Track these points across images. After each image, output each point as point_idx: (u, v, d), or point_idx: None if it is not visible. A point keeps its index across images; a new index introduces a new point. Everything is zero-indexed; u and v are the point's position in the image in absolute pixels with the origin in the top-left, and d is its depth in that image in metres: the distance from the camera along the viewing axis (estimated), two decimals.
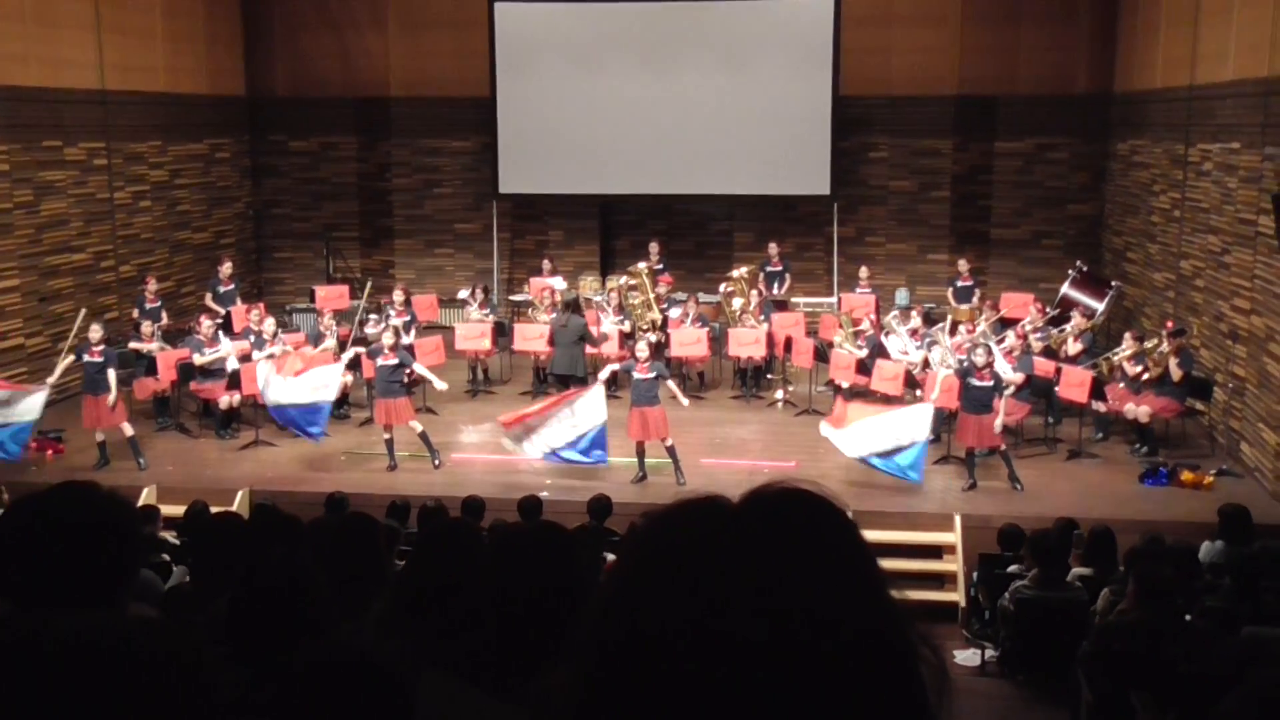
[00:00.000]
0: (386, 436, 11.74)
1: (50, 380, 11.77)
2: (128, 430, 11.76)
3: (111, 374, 11.64)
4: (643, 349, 11.36)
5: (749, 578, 0.94)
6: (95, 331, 11.85)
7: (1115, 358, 12.58)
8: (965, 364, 11.43)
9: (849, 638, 0.93)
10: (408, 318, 14.30)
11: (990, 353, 11.63)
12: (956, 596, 9.80)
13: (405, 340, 13.11)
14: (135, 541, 1.98)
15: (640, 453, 11.30)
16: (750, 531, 0.99)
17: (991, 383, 11.05)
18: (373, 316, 14.14)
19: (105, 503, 1.91)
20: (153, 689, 1.17)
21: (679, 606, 0.94)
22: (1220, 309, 12.49)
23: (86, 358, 11.66)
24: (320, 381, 11.65)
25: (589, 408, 11.05)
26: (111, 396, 11.57)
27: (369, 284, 15.39)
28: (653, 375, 11.19)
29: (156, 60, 16.32)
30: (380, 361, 11.74)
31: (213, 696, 1.23)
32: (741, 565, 0.95)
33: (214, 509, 8.89)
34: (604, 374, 11.88)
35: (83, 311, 12.65)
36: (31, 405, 11.34)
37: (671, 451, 11.23)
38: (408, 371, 11.87)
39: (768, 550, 0.97)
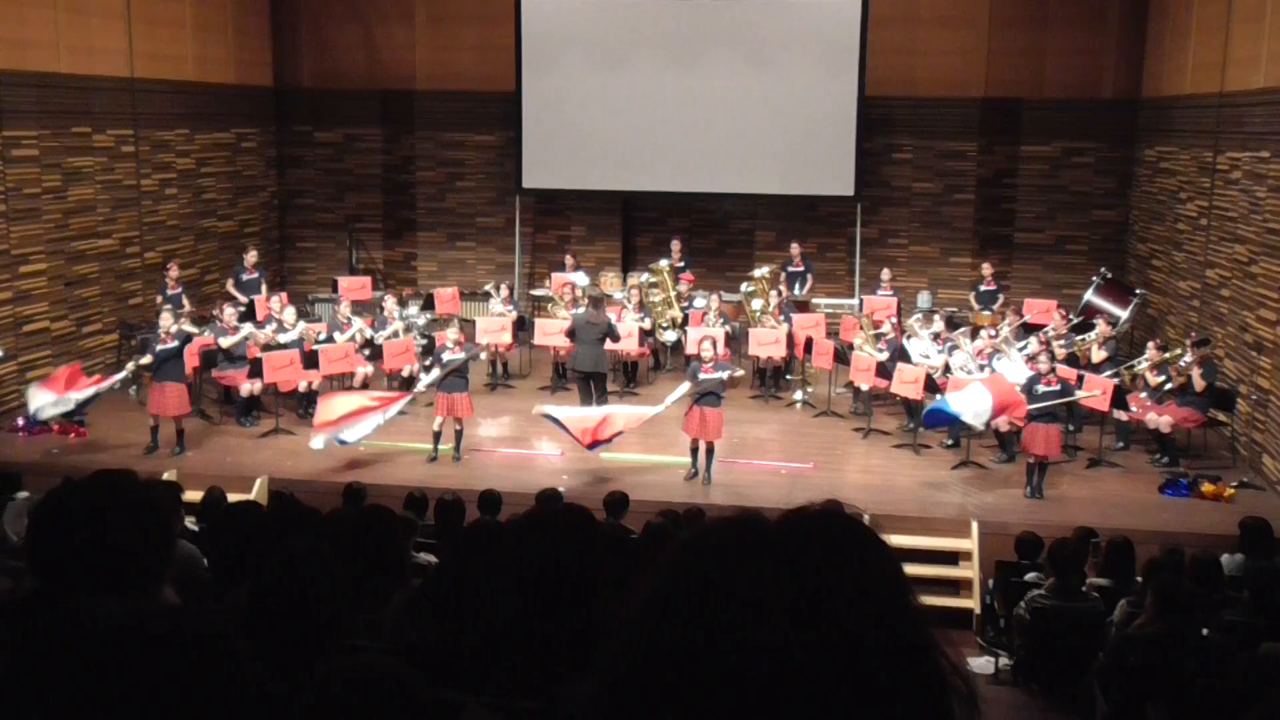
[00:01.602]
0: (436, 429, 11.81)
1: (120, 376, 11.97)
2: (180, 421, 11.89)
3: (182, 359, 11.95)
4: (708, 349, 11.38)
5: (786, 596, 0.95)
6: (167, 319, 11.91)
7: (1137, 367, 12.51)
8: (1033, 375, 11.35)
9: (881, 662, 0.94)
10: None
11: (1053, 358, 11.63)
12: (971, 603, 9.77)
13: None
14: (171, 531, 2.00)
15: (694, 450, 11.34)
16: (789, 551, 0.99)
17: (1059, 387, 11.02)
18: (396, 310, 14.18)
19: (142, 492, 1.93)
20: (185, 675, 1.18)
21: (714, 621, 0.94)
22: (1245, 319, 12.40)
23: (159, 345, 11.73)
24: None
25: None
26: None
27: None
28: (717, 375, 11.22)
29: (185, 49, 16.40)
30: (447, 356, 11.82)
31: (244, 685, 1.23)
32: (779, 583, 0.96)
33: (232, 496, 8.95)
34: (680, 391, 11.62)
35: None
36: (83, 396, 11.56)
37: (711, 452, 11.28)
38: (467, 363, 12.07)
39: (806, 570, 0.97)
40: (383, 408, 11.66)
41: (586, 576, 2.46)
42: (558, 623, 2.44)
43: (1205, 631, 6.24)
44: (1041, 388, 11.09)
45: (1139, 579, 7.64)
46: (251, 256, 15.83)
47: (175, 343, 11.75)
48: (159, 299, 14.31)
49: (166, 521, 1.98)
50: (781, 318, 14.46)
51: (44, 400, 11.40)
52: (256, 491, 10.74)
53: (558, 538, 2.63)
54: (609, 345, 13.18)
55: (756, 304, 15.00)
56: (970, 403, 10.99)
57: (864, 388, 13.16)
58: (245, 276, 15.67)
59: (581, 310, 13.64)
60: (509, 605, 2.58)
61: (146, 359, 11.90)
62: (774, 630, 0.93)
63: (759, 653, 0.92)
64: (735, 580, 0.97)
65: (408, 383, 13.37)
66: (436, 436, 11.85)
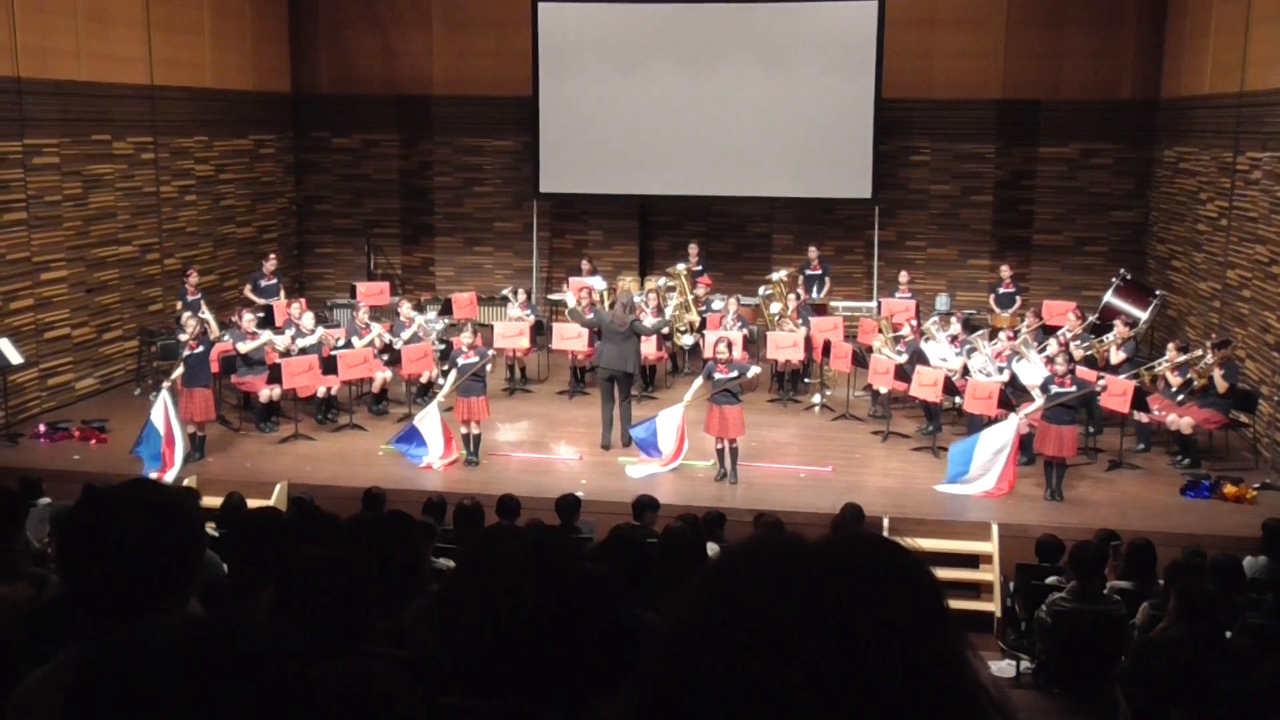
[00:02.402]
0: (464, 431, 11.86)
1: (166, 384, 11.83)
2: (202, 427, 11.95)
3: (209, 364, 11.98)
4: (723, 350, 11.42)
5: (821, 623, 0.93)
6: (191, 324, 11.97)
7: (1157, 368, 12.44)
8: (1048, 376, 11.32)
9: (917, 695, 0.92)
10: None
11: (1071, 359, 11.58)
12: (992, 606, 9.74)
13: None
14: (201, 540, 2.00)
15: (720, 451, 11.38)
16: (827, 576, 0.97)
17: (1075, 388, 11.00)
18: (414, 315, 14.21)
19: (174, 501, 1.93)
20: (262, 691, 1.16)
21: (747, 646, 0.93)
22: (1267, 320, 12.33)
23: (186, 351, 11.78)
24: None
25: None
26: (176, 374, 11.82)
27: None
28: (733, 375, 11.26)
29: (204, 57, 16.49)
30: (461, 361, 11.87)
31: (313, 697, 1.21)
32: (815, 610, 0.94)
33: (251, 502, 8.98)
34: (694, 388, 11.89)
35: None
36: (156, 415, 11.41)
37: (735, 452, 11.33)
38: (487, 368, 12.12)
39: (843, 598, 0.95)
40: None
41: (568, 612, 2.41)
42: (573, 636, 2.42)
43: (1228, 634, 6.20)
44: (1055, 388, 11.04)
45: (1160, 581, 7.60)
46: (271, 264, 15.89)
47: (201, 348, 11.82)
48: (179, 305, 14.38)
49: (197, 531, 1.98)
50: (800, 321, 14.43)
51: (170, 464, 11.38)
52: (276, 497, 10.78)
53: (527, 578, 2.58)
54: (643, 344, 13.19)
55: (774, 307, 14.98)
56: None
57: (883, 390, 13.12)
58: (264, 282, 15.74)
59: (604, 310, 13.56)
60: (521, 616, 2.56)
61: (179, 370, 11.93)
62: (808, 657, 0.92)
63: (792, 680, 0.91)
64: (770, 606, 0.95)
65: (426, 389, 13.40)
66: (466, 439, 11.89)
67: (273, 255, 16.28)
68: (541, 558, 2.64)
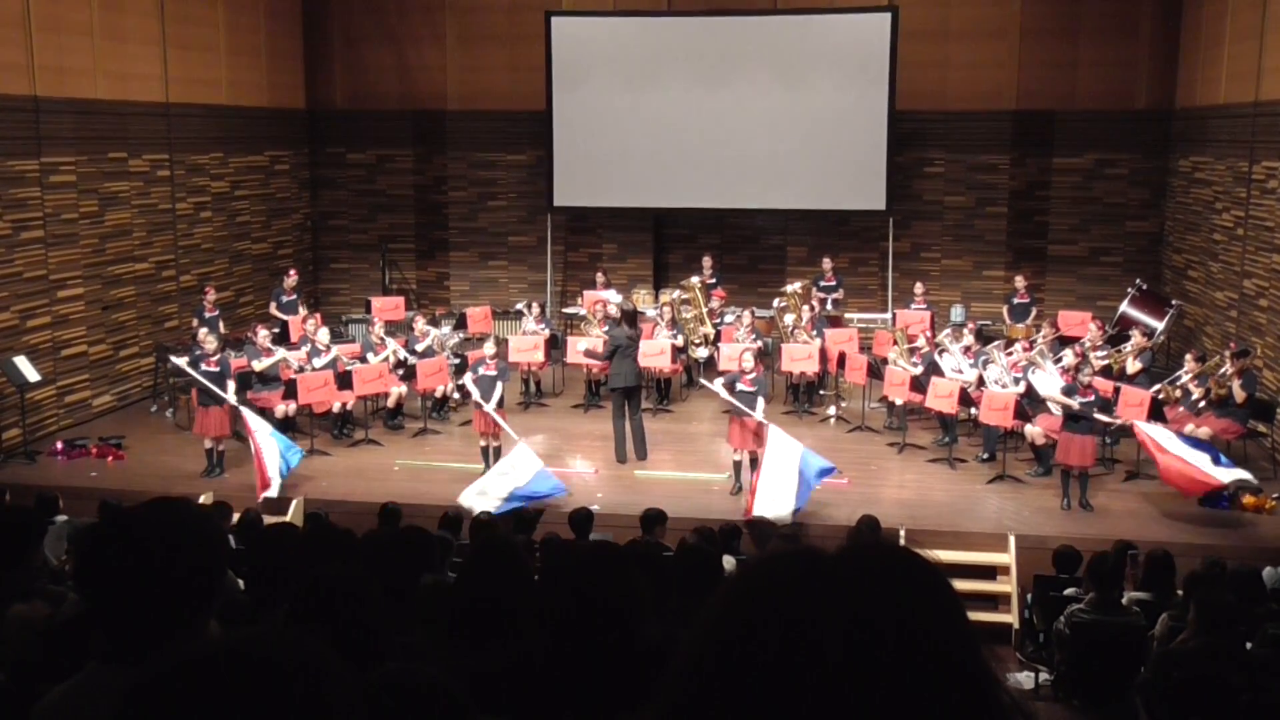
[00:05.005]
0: (483, 445, 11.90)
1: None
2: (220, 443, 11.98)
3: (230, 384, 11.88)
4: (748, 360, 11.42)
5: (844, 632, 0.94)
6: (210, 342, 12.02)
7: (1178, 383, 12.32)
8: (1072, 385, 11.31)
9: (941, 699, 0.93)
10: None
11: (1093, 371, 11.56)
12: (1010, 618, 9.69)
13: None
14: (223, 561, 2.00)
15: (737, 464, 11.38)
16: (848, 586, 0.98)
17: (1094, 399, 10.98)
18: (429, 330, 14.24)
19: (197, 521, 1.92)
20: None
21: (771, 656, 0.94)
22: None
23: (204, 367, 11.83)
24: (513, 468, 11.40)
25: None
26: (231, 396, 11.76)
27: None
28: (755, 390, 11.27)
29: (219, 74, 16.60)
30: (481, 372, 11.91)
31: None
32: (837, 619, 0.95)
33: (268, 518, 9.00)
34: (715, 385, 11.78)
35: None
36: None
37: (756, 464, 11.31)
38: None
39: (864, 606, 0.96)
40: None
41: (623, 615, 2.42)
42: (599, 654, 2.42)
43: (1249, 646, 6.15)
44: (1080, 399, 11.02)
45: (1180, 592, 7.55)
46: (291, 279, 15.96)
47: (219, 367, 11.86)
48: (195, 322, 14.44)
49: (220, 551, 1.98)
50: (814, 333, 14.41)
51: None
52: (293, 513, 10.80)
53: (584, 583, 2.59)
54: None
55: (789, 319, 14.97)
56: None
57: (898, 402, 13.09)
58: (284, 298, 15.81)
59: (619, 329, 13.53)
60: (541, 638, 2.56)
61: (185, 361, 11.93)
62: (830, 662, 0.92)
63: (816, 685, 0.92)
64: (792, 616, 0.96)
65: (441, 403, 13.41)
66: (485, 452, 11.90)
67: (293, 271, 16.35)
68: (593, 562, 2.65)
